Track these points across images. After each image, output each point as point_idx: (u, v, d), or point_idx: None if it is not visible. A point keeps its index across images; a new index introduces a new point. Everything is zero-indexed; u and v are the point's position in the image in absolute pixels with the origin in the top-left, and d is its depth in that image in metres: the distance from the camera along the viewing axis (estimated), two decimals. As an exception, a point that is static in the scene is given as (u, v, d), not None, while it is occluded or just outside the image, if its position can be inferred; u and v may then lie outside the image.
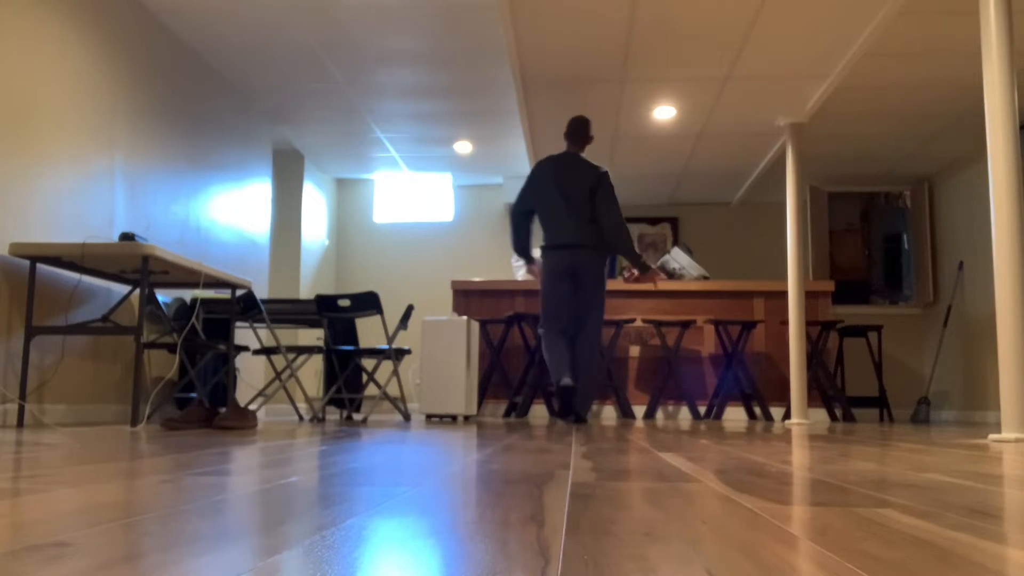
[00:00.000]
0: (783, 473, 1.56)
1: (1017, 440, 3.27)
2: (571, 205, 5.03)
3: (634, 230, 9.04)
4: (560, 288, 5.04)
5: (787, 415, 6.51)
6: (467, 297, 6.86)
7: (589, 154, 7.35)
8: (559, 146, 6.98)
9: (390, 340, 5.19)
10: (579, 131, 5.20)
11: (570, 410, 4.88)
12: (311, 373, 8.33)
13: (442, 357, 5.49)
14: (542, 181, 5.12)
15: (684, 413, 6.80)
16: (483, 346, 6.55)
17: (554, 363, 4.96)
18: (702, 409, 6.77)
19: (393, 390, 8.31)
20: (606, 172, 5.10)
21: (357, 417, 6.13)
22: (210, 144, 5.95)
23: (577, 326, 5.08)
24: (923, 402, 7.55)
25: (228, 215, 6.25)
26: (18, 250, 3.87)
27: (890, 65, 5.50)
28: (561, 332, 5.05)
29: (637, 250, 5.16)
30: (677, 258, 6.86)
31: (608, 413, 6.75)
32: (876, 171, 8.06)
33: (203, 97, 5.86)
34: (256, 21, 5.28)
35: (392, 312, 8.87)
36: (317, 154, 8.14)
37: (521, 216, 5.21)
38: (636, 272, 5.40)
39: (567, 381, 4.80)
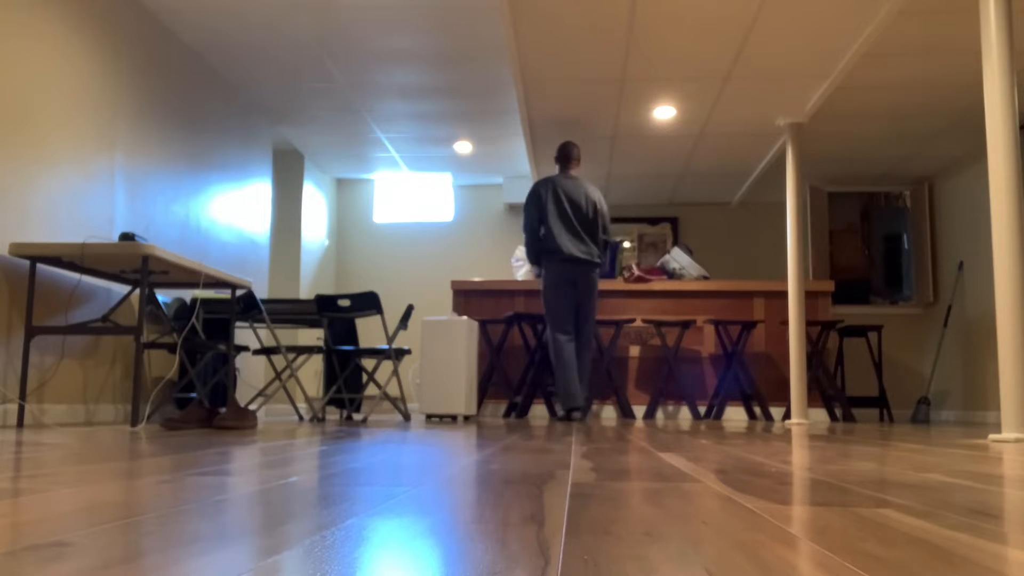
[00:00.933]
0: (783, 473, 1.56)
1: (1017, 440, 3.27)
2: (578, 223, 5.52)
3: (634, 230, 9.05)
4: (565, 297, 5.53)
5: (787, 415, 6.51)
6: (467, 297, 6.86)
7: (586, 159, 7.41)
8: (559, 146, 6.99)
9: (390, 340, 5.19)
10: (568, 155, 5.70)
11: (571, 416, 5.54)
12: (311, 373, 8.33)
13: (442, 357, 5.49)
14: (549, 199, 5.56)
15: (684, 413, 6.80)
16: (483, 346, 6.55)
17: (564, 379, 5.42)
18: (702, 409, 6.77)
19: (393, 390, 8.31)
20: (602, 197, 5.71)
21: (357, 417, 6.13)
22: (210, 144, 5.96)
23: (576, 326, 5.60)
24: (923, 402, 7.55)
25: (228, 215, 6.25)
26: (18, 250, 3.87)
27: (890, 65, 5.50)
28: (567, 333, 5.53)
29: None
30: (677, 258, 6.86)
31: (608, 413, 6.75)
32: (876, 171, 8.06)
33: (203, 97, 5.86)
34: (256, 21, 5.28)
35: (392, 312, 8.87)
36: (317, 154, 8.14)
37: (537, 235, 5.64)
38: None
39: (576, 414, 5.39)
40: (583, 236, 5.51)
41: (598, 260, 5.58)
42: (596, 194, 5.63)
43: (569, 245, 5.47)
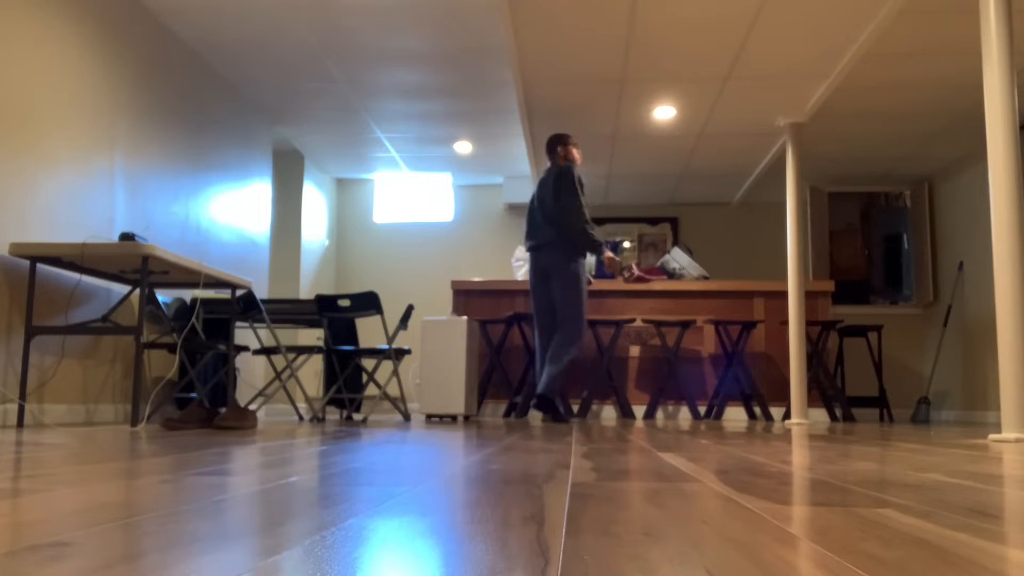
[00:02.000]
0: (783, 473, 1.56)
1: (1017, 440, 3.27)
2: (542, 207, 5.38)
3: (634, 230, 9.05)
4: (540, 294, 5.43)
5: (787, 415, 6.51)
6: (467, 297, 6.86)
7: (587, 158, 7.41)
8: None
9: (390, 340, 5.18)
10: (550, 147, 5.59)
11: (525, 413, 5.89)
12: (311, 373, 8.33)
13: (442, 357, 5.49)
14: (532, 199, 5.57)
15: (684, 413, 6.80)
16: (483, 346, 6.55)
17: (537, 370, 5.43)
18: (702, 409, 6.76)
19: (393, 390, 8.30)
20: (568, 168, 5.34)
21: (357, 417, 6.13)
22: (210, 144, 5.95)
23: (554, 323, 5.48)
24: (923, 402, 7.55)
25: (228, 215, 6.25)
26: (18, 250, 3.87)
27: (890, 65, 5.50)
28: (545, 334, 5.43)
29: (595, 236, 5.29)
30: (677, 258, 6.86)
31: (608, 413, 6.75)
32: (876, 171, 8.05)
33: (203, 97, 5.86)
34: (256, 21, 5.28)
35: (392, 312, 8.87)
36: (317, 154, 8.13)
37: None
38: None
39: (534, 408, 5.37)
40: (550, 218, 5.26)
41: (564, 238, 5.22)
42: (565, 168, 5.28)
43: (535, 232, 5.36)
